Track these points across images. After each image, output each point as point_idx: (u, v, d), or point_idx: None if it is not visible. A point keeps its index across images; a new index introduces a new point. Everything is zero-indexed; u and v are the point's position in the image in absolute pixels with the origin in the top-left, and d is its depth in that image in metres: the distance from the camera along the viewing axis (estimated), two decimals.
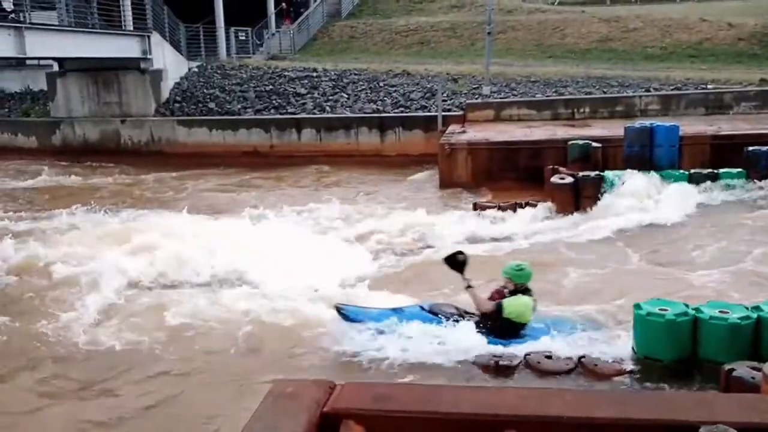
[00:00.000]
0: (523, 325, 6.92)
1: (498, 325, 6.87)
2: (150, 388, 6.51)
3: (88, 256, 9.85)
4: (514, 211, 11.95)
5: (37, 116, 23.51)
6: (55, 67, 22.95)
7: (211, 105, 21.43)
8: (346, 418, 3.05)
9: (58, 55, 20.53)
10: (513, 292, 6.93)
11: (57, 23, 19.55)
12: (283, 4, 30.19)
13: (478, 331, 6.88)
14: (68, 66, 22.07)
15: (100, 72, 21.61)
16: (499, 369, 6.33)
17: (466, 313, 7.20)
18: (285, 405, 3.18)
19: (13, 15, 17.20)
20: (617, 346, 6.51)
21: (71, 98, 22.22)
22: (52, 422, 6.03)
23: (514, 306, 6.83)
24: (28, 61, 24.60)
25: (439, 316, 7.08)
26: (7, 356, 7.35)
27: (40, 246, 10.43)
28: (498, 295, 7.05)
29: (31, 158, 20.94)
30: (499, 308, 6.83)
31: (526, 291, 6.93)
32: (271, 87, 22.34)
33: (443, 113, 17.87)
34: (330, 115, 19.85)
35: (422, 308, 7.27)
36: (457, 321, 7.01)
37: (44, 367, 7.08)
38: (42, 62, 24.40)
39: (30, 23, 16.99)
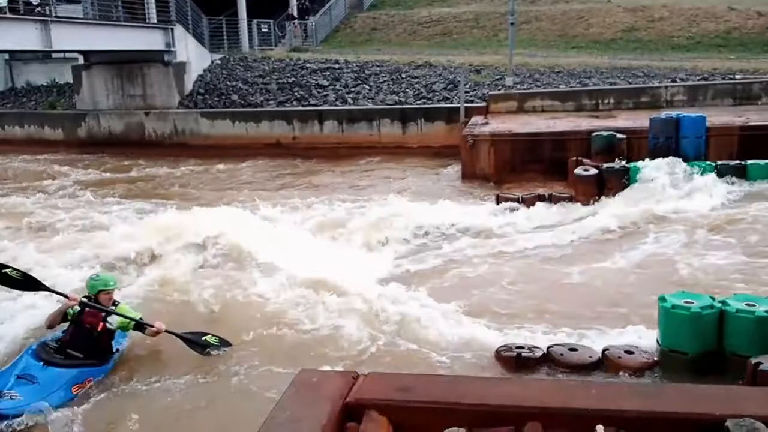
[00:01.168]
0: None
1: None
2: (176, 371, 6.61)
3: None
4: (537, 203, 11.86)
5: (63, 109, 23.80)
6: (81, 60, 23.20)
7: (234, 97, 21.55)
8: (369, 409, 3.06)
9: (84, 48, 20.75)
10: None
11: (82, 16, 19.79)
12: (290, 9, 29.53)
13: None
14: (93, 59, 22.30)
15: (125, 65, 21.82)
16: (521, 361, 6.30)
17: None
18: (308, 395, 3.19)
19: (39, 8, 17.40)
20: (641, 339, 6.44)
21: (96, 91, 22.47)
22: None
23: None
24: (53, 54, 24.84)
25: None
26: None
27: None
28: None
29: (58, 150, 21.25)
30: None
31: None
32: (293, 79, 22.39)
33: (465, 105, 17.76)
34: (352, 107, 19.85)
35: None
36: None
37: None
38: (67, 55, 24.66)
39: (56, 17, 17.24)
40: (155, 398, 6.12)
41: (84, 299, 6.59)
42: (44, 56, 26.35)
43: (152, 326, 6.70)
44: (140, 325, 6.72)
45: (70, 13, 19.32)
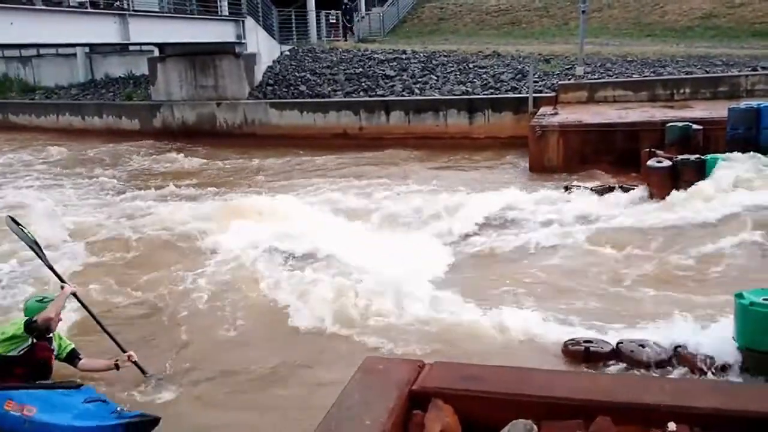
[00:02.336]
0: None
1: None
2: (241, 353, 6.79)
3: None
4: (608, 194, 11.59)
5: (139, 100, 24.66)
6: (156, 53, 23.96)
7: (302, 88, 21.83)
8: (435, 397, 3.07)
9: (159, 41, 21.40)
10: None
11: (158, 10, 20.38)
12: (330, 16, 29.12)
13: None
14: (168, 51, 22.99)
15: (197, 56, 22.40)
16: (589, 356, 6.19)
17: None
18: (375, 382, 3.22)
19: (118, 3, 18.02)
20: (716, 337, 6.22)
21: (170, 82, 23.16)
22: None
23: None
24: (131, 47, 25.74)
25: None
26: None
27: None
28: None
29: (135, 140, 22.03)
30: None
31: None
32: (360, 69, 22.51)
33: (534, 95, 17.49)
34: (419, 98, 19.81)
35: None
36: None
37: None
38: (143, 48, 25.49)
39: (134, 10, 17.78)
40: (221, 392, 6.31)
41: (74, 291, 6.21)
42: (122, 49, 27.34)
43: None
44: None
45: (147, 7, 19.91)
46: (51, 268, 6.58)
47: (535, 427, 2.60)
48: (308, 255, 9.52)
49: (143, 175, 17.20)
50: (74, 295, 6.27)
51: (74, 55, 29.26)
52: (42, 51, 29.74)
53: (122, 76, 28.05)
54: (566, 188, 12.19)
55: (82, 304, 6.42)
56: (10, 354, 5.55)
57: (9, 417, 5.27)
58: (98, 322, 6.32)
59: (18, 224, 6.84)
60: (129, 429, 5.11)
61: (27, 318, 5.61)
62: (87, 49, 28.96)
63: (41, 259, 6.69)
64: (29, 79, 30.52)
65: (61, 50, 29.00)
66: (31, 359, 5.61)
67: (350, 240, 9.68)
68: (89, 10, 16.76)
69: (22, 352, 5.58)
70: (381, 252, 9.05)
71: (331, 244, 9.57)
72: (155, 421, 5.23)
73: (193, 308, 7.99)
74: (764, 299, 5.66)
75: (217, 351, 6.93)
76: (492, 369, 3.44)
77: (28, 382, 5.52)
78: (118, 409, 5.29)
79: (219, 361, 6.67)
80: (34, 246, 6.72)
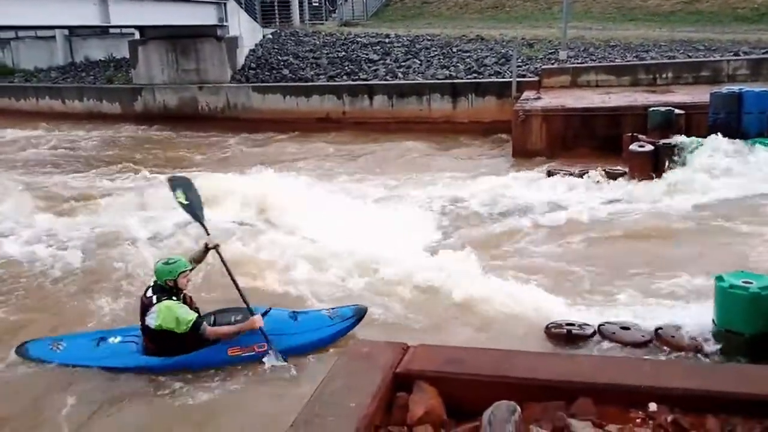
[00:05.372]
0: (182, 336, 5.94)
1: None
2: None
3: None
4: (590, 178, 11.66)
5: (120, 83, 24.36)
6: (137, 36, 23.66)
7: (285, 71, 21.68)
8: (419, 380, 3.08)
9: (140, 24, 21.15)
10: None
11: None
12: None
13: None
14: (149, 34, 22.71)
15: (179, 40, 22.16)
16: (571, 338, 6.25)
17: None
18: (359, 365, 3.22)
19: None
20: (696, 319, 6.31)
21: (152, 65, 22.90)
22: None
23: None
24: (111, 30, 25.41)
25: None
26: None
27: None
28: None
29: (116, 123, 21.80)
30: None
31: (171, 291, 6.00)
32: (343, 53, 22.39)
33: (518, 79, 17.50)
34: (402, 82, 19.75)
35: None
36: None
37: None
38: (124, 31, 25.18)
39: None
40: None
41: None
42: (102, 32, 26.99)
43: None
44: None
45: None
46: (202, 224, 6.67)
47: (518, 408, 2.61)
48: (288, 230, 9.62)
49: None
50: (216, 250, 6.37)
51: (53, 37, 28.84)
52: (20, 33, 29.30)
53: (103, 59, 27.71)
54: (549, 173, 12.25)
55: (223, 262, 6.37)
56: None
57: (242, 359, 6.04)
58: (234, 282, 6.30)
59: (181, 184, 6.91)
60: (359, 320, 6.44)
61: (196, 321, 5.91)
62: (66, 32, 28.56)
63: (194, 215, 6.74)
64: (7, 62, 30.07)
65: (40, 33, 28.60)
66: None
67: (327, 220, 9.69)
68: None
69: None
70: (357, 234, 9.04)
71: (308, 222, 9.64)
72: (365, 310, 6.56)
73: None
74: (744, 282, 5.74)
75: None
76: (475, 351, 3.45)
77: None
78: (329, 313, 6.49)
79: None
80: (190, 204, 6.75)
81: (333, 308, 6.67)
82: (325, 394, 2.96)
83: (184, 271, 5.99)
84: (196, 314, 6.01)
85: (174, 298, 5.94)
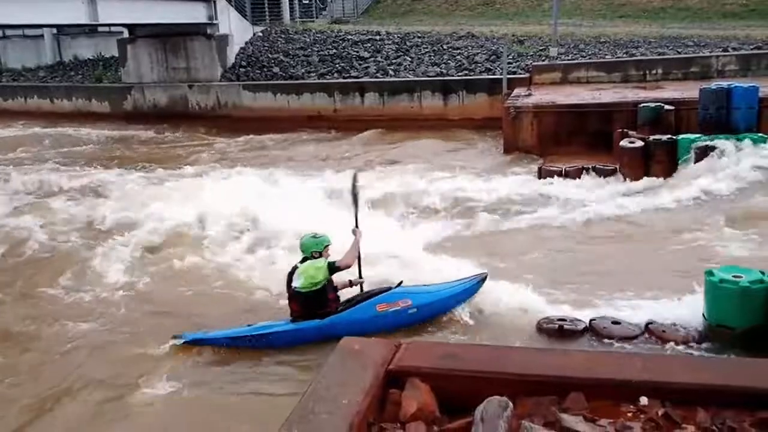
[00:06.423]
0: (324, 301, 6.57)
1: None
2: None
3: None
4: (580, 175, 11.70)
5: (110, 82, 24.23)
6: (126, 34, 23.53)
7: (276, 69, 21.62)
8: (412, 376, 3.08)
9: (129, 22, 21.04)
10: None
11: None
12: None
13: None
14: (138, 32, 22.59)
15: (169, 38, 22.05)
16: (563, 333, 6.28)
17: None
18: (351, 362, 3.22)
19: None
20: (686, 313, 6.34)
21: (141, 64, 22.78)
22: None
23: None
24: (100, 29, 25.24)
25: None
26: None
27: None
28: None
29: (105, 122, 21.69)
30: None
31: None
32: (334, 51, 22.34)
33: (508, 76, 17.50)
34: (393, 79, 19.74)
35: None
36: None
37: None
38: (113, 29, 25.02)
39: None
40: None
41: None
42: (91, 30, 26.81)
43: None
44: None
45: None
46: (356, 213, 7.08)
47: (510, 403, 2.62)
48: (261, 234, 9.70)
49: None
50: (357, 237, 6.84)
51: (41, 36, 28.62)
52: (8, 32, 29.07)
53: (91, 57, 27.52)
54: (540, 170, 12.27)
55: (357, 249, 6.80)
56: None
57: (389, 315, 6.60)
58: (359, 267, 6.91)
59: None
60: (482, 281, 7.01)
61: (329, 262, 6.50)
62: (54, 31, 28.35)
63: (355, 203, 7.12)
64: None
65: (27, 32, 28.36)
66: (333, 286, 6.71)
67: (319, 219, 9.63)
68: None
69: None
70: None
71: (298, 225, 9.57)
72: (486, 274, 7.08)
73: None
74: (733, 276, 5.78)
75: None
76: (468, 347, 3.47)
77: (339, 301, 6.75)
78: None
79: None
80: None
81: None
82: (318, 391, 2.96)
83: (328, 245, 6.60)
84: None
85: None
